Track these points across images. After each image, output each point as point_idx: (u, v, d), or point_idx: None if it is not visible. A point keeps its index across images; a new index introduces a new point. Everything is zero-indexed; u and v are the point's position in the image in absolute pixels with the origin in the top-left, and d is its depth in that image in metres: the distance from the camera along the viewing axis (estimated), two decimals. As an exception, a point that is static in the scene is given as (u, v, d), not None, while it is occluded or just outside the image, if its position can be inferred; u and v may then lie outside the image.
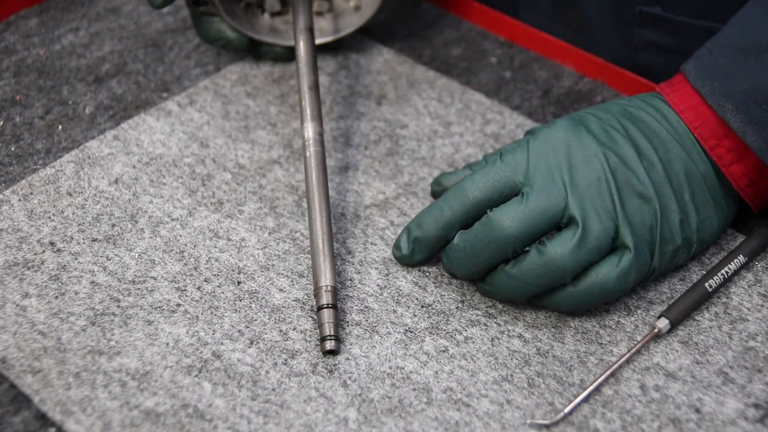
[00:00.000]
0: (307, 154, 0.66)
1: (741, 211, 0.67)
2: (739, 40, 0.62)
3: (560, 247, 0.58)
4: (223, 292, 0.63)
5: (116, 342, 0.60)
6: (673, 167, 0.62)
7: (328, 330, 0.60)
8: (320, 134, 0.67)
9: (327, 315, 0.60)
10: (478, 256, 0.60)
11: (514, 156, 0.61)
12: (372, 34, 0.82)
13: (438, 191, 0.68)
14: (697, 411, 0.58)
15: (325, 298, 0.61)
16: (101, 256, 0.65)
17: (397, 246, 0.65)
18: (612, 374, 0.59)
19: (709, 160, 0.63)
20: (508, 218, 0.59)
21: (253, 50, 0.78)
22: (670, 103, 0.63)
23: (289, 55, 0.78)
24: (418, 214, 0.64)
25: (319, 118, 0.68)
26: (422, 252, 0.64)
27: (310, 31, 0.73)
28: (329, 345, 0.60)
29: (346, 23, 0.79)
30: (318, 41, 0.76)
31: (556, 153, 0.61)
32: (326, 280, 0.61)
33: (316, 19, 0.78)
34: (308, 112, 0.68)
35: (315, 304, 0.62)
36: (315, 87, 0.70)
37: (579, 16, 0.80)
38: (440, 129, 0.74)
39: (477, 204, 0.61)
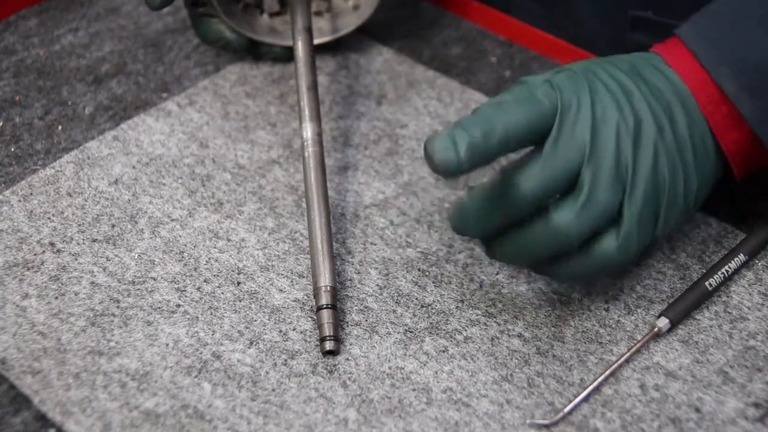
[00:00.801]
0: (306, 154, 0.66)
1: (740, 210, 0.67)
2: (736, 8, 0.61)
3: (564, 214, 0.55)
4: (222, 293, 0.63)
5: (116, 343, 0.60)
6: (679, 131, 0.59)
7: (328, 330, 0.60)
8: (319, 134, 0.67)
9: (326, 315, 0.60)
10: (491, 218, 0.56)
11: (544, 88, 0.57)
12: (371, 33, 0.82)
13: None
14: (697, 410, 0.58)
15: (325, 299, 0.61)
16: (101, 257, 0.65)
17: (444, 148, 0.54)
18: (612, 374, 0.59)
19: (707, 124, 0.60)
20: (526, 178, 0.55)
21: (253, 51, 0.78)
22: (670, 64, 0.61)
23: (288, 55, 0.78)
24: (469, 116, 0.56)
25: (317, 119, 0.68)
26: (473, 164, 0.55)
27: (309, 31, 0.73)
28: (329, 345, 0.60)
29: (344, 23, 0.79)
30: (317, 41, 0.76)
31: (580, 110, 0.57)
32: (325, 280, 0.61)
33: (314, 19, 0.78)
34: (307, 112, 0.68)
35: (314, 304, 0.62)
36: (313, 87, 0.69)
37: (571, 19, 0.80)
38: (440, 128, 0.74)
39: (542, 115, 0.57)
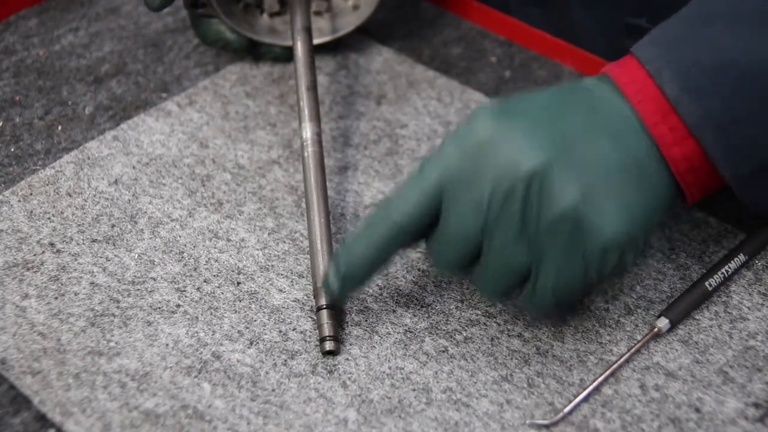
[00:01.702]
0: (306, 154, 0.66)
1: (740, 210, 0.67)
2: (689, 12, 0.59)
3: (474, 276, 0.57)
4: (222, 293, 0.63)
5: (116, 343, 0.60)
6: (608, 159, 0.55)
7: (328, 330, 0.60)
8: (318, 134, 0.67)
9: (326, 315, 0.60)
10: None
11: (432, 165, 0.56)
12: (371, 33, 0.82)
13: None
14: (697, 410, 0.57)
15: (325, 299, 0.61)
16: (101, 257, 0.65)
17: (326, 284, 0.59)
18: (612, 374, 0.59)
19: (652, 143, 0.56)
20: (433, 253, 0.58)
21: (252, 51, 0.78)
22: (614, 78, 0.57)
23: (288, 55, 0.78)
24: (344, 244, 0.58)
25: (317, 119, 0.68)
26: (356, 286, 0.59)
27: (308, 31, 0.73)
28: (328, 345, 0.60)
29: (344, 23, 0.79)
30: (316, 41, 0.76)
31: (474, 155, 0.55)
32: None
33: (314, 19, 0.78)
34: (306, 112, 0.68)
35: (314, 304, 0.62)
36: (313, 87, 0.69)
37: (568, 25, 0.80)
38: (440, 128, 0.74)
39: (408, 229, 0.57)
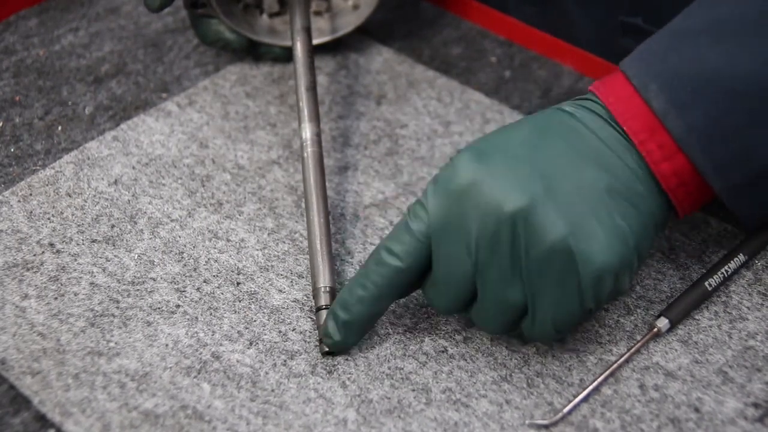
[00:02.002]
0: (305, 154, 0.66)
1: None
2: (674, 27, 0.59)
3: (473, 314, 0.58)
4: (222, 293, 0.63)
5: (115, 343, 0.60)
6: (592, 189, 0.55)
7: None
8: (318, 135, 0.67)
9: (325, 316, 0.60)
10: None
11: (417, 214, 0.57)
12: (371, 33, 0.82)
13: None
14: (697, 410, 0.57)
15: (324, 299, 0.61)
16: (100, 257, 0.65)
17: (326, 334, 0.59)
18: (611, 374, 0.59)
19: (640, 160, 0.57)
20: (429, 299, 0.59)
21: (252, 51, 0.78)
22: (599, 97, 0.58)
23: (288, 55, 0.78)
24: (340, 293, 0.59)
25: (316, 119, 0.68)
26: (357, 334, 0.60)
27: (307, 31, 0.73)
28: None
29: (344, 23, 0.79)
30: (316, 41, 0.76)
31: (458, 201, 0.56)
32: (325, 281, 0.61)
33: (314, 19, 0.78)
34: (306, 112, 0.68)
35: (314, 305, 0.62)
36: (312, 87, 0.69)
37: (564, 23, 0.80)
38: (440, 128, 0.74)
39: (401, 272, 0.58)
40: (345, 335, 0.59)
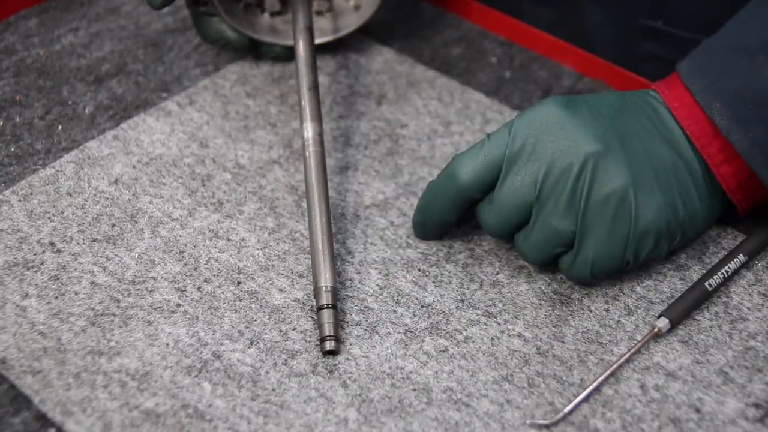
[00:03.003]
0: (307, 154, 0.66)
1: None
2: (733, 40, 0.62)
3: (518, 240, 0.62)
4: (223, 293, 0.63)
5: (116, 342, 0.60)
6: (660, 160, 0.61)
7: (328, 330, 0.60)
8: (320, 134, 0.67)
9: (327, 315, 0.60)
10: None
11: (499, 135, 0.62)
12: (372, 33, 0.82)
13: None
14: (697, 411, 0.58)
15: (325, 299, 0.61)
16: (101, 257, 0.65)
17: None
18: (612, 374, 0.59)
19: (701, 158, 0.62)
20: (483, 215, 0.63)
21: (253, 50, 0.78)
22: (664, 100, 0.63)
23: (289, 54, 0.78)
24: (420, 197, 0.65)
25: (318, 119, 0.68)
26: (434, 231, 0.66)
27: (310, 31, 0.73)
28: (329, 345, 0.60)
29: (345, 23, 0.79)
30: (318, 41, 0.76)
31: (538, 133, 0.61)
32: (326, 280, 0.61)
33: (315, 19, 0.78)
34: (308, 112, 0.68)
35: (315, 304, 0.62)
36: (314, 87, 0.69)
37: (582, 26, 0.80)
38: (440, 128, 0.74)
39: (468, 188, 0.62)
40: (421, 232, 0.66)
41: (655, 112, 0.63)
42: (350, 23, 0.79)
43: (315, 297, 0.61)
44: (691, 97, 0.62)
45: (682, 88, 0.63)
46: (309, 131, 0.67)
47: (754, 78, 0.60)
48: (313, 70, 0.71)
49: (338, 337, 0.60)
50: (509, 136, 0.61)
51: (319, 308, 0.60)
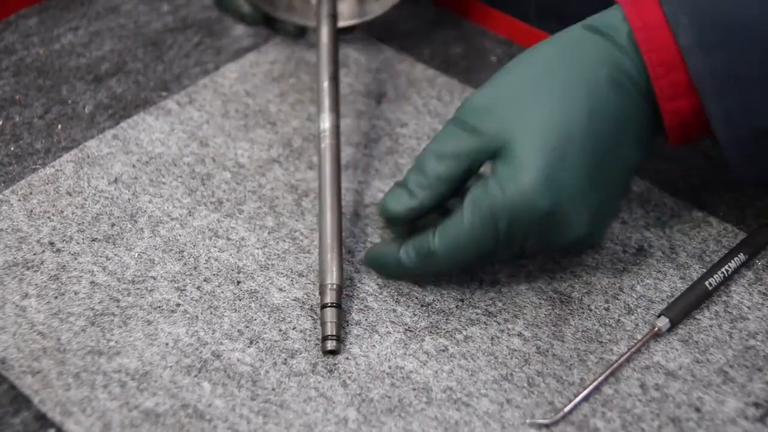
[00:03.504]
0: (323, 146, 0.65)
1: (740, 210, 0.67)
2: None
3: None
4: (222, 292, 0.63)
5: (116, 342, 0.60)
6: (609, 142, 0.59)
7: (330, 330, 0.60)
8: (337, 127, 0.66)
9: (330, 314, 0.60)
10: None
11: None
12: (371, 32, 0.82)
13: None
14: (697, 410, 0.57)
15: (330, 297, 0.60)
16: (101, 256, 0.65)
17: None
18: (612, 373, 0.59)
19: (650, 94, 0.59)
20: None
21: (268, 23, 0.79)
22: (627, 16, 0.58)
23: (299, 33, 0.78)
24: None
25: (336, 110, 0.67)
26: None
27: (334, 18, 0.71)
28: (330, 345, 0.59)
29: (367, 10, 0.78)
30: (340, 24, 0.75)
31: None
32: (332, 278, 0.61)
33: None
34: (327, 102, 0.67)
35: (319, 301, 0.61)
36: (335, 77, 0.68)
37: None
38: (440, 127, 0.74)
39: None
40: (407, 213, 0.62)
41: (608, 45, 0.59)
42: (372, 11, 0.78)
43: (320, 294, 0.61)
44: (659, 14, 0.57)
45: (647, 1, 0.58)
46: (326, 122, 0.66)
47: (732, 1, 0.57)
48: (335, 58, 0.69)
49: (340, 336, 0.60)
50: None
51: (323, 306, 0.60)
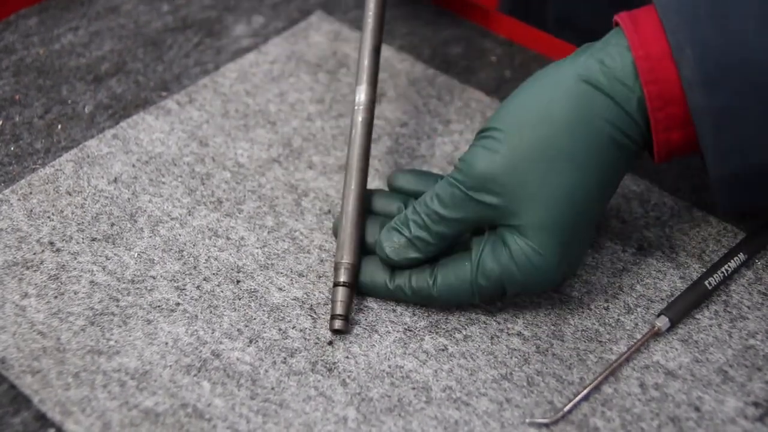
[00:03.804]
0: (359, 119, 0.65)
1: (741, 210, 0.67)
2: None
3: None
4: (222, 291, 0.63)
5: (115, 342, 0.60)
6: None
7: (340, 309, 0.60)
8: (372, 102, 0.65)
9: (341, 293, 0.60)
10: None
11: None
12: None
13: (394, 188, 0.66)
14: (697, 409, 0.57)
15: (344, 276, 0.60)
16: (100, 256, 0.65)
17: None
18: (612, 372, 0.59)
19: (645, 125, 0.58)
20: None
21: None
22: (629, 43, 0.57)
23: None
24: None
25: (374, 83, 0.66)
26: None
27: None
28: (337, 324, 0.59)
29: None
30: None
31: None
32: (349, 257, 0.61)
33: None
34: (366, 74, 0.66)
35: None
36: (377, 49, 0.67)
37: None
38: (440, 127, 0.74)
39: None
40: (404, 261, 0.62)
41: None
42: None
43: (334, 271, 0.61)
44: (663, 45, 0.56)
45: (651, 26, 0.57)
46: (363, 94, 0.65)
47: (737, 38, 0.55)
48: (380, 30, 0.68)
49: (348, 317, 0.60)
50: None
51: (335, 284, 0.60)
